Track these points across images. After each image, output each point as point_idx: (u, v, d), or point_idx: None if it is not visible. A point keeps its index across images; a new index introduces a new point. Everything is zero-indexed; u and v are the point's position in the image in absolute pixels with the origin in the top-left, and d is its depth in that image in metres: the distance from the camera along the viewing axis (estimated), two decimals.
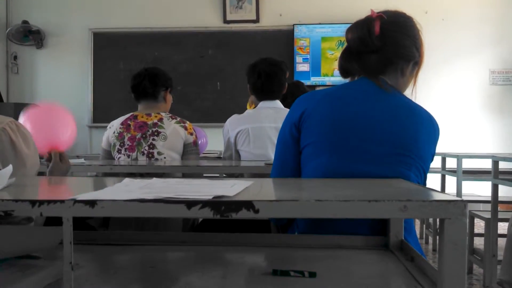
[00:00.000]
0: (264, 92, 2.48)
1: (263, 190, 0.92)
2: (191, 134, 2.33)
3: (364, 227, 1.17)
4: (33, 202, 0.74)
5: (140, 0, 5.89)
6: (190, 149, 2.32)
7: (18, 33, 5.78)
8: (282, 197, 0.78)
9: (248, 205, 0.72)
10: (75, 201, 0.74)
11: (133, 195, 0.77)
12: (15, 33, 5.77)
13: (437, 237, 3.64)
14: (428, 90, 5.41)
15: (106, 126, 2.42)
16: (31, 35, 5.80)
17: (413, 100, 1.28)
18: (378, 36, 1.22)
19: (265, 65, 2.46)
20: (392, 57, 1.25)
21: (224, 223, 2.13)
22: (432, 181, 1.57)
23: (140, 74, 2.37)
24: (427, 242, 4.20)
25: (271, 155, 2.35)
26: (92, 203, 0.73)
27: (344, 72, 1.32)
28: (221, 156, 2.69)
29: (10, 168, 1.03)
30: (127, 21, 5.86)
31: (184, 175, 2.06)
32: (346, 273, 0.95)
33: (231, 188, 0.84)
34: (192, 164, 2.09)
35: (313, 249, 1.11)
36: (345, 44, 1.31)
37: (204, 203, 0.73)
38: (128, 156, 2.26)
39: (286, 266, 0.94)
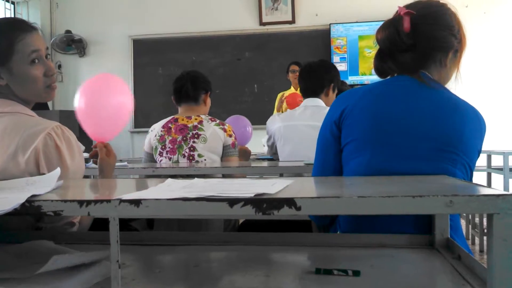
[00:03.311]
0: (303, 90, 2.56)
1: (305, 188, 0.92)
2: (230, 136, 2.36)
3: (408, 225, 1.15)
4: (80, 202, 0.77)
5: (177, 6, 5.99)
6: (229, 150, 2.34)
7: (61, 42, 5.99)
8: (323, 194, 0.78)
9: (290, 202, 0.72)
10: (121, 201, 0.76)
11: (176, 194, 0.78)
12: (59, 42, 5.98)
13: (484, 237, 3.52)
14: (471, 85, 5.25)
15: (147, 130, 2.48)
16: (74, 44, 6.00)
17: (457, 85, 1.25)
18: (409, 33, 1.19)
19: (307, 65, 2.54)
20: (428, 51, 1.21)
21: (265, 224, 2.14)
22: (478, 179, 1.52)
23: (182, 77, 2.43)
24: (473, 243, 4.07)
25: (304, 153, 2.35)
26: (137, 202, 0.75)
27: (380, 72, 1.30)
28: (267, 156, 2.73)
29: (58, 171, 1.06)
30: (165, 27, 5.97)
31: (224, 176, 2.08)
32: (391, 272, 0.93)
33: (272, 187, 0.84)
34: (231, 165, 2.11)
35: (356, 248, 1.09)
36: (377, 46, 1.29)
37: (246, 201, 0.73)
38: (170, 159, 2.30)
39: (329, 265, 0.93)
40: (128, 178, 2.27)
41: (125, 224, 2.14)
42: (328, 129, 1.27)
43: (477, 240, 3.97)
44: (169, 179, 1.04)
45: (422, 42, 1.20)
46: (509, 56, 5.45)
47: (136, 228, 2.23)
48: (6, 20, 1.36)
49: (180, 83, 2.41)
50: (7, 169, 1.19)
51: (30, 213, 0.78)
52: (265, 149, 2.89)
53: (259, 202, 0.73)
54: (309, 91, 2.52)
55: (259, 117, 5.29)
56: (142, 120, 6.01)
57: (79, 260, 0.89)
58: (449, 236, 1.08)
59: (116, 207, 0.76)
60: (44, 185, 0.94)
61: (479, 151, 1.21)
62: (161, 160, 2.34)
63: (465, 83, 1.31)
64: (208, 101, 2.48)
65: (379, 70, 1.29)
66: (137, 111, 6.05)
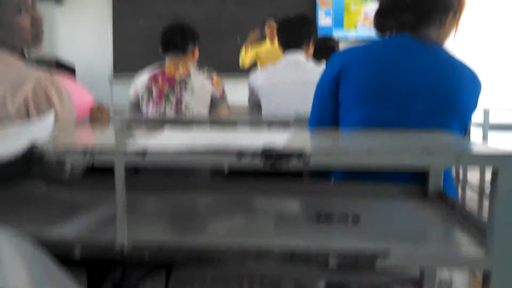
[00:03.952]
0: (283, 43, 2.51)
1: (309, 141, 0.92)
2: (218, 87, 2.34)
3: (403, 175, 1.16)
4: (84, 151, 0.75)
5: None
6: (218, 101, 2.33)
7: None
8: (331, 146, 0.78)
9: (299, 155, 0.72)
10: (126, 152, 0.74)
11: (182, 145, 0.78)
12: None
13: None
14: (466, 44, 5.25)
15: (126, 82, 2.44)
16: None
17: (454, 44, 1.25)
18: None
19: (286, 18, 2.49)
20: (428, 11, 1.21)
21: (251, 173, 2.14)
22: None
23: (171, 28, 2.38)
24: None
25: (289, 107, 2.35)
26: (143, 153, 0.74)
27: (380, 29, 1.29)
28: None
29: (51, 116, 1.04)
30: None
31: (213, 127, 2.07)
32: (389, 220, 0.95)
33: (275, 139, 0.84)
34: (219, 117, 2.09)
35: (351, 196, 1.10)
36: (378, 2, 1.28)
37: (254, 154, 0.73)
38: (156, 110, 2.28)
39: (327, 211, 0.94)
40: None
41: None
42: (326, 86, 1.27)
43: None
44: (167, 129, 1.03)
45: (423, 2, 1.20)
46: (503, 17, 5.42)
47: None
48: None
49: (168, 33, 2.37)
50: None
51: (32, 160, 0.77)
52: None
53: (268, 154, 0.73)
54: (289, 43, 2.48)
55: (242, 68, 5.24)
56: (121, 71, 5.87)
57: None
58: (442, 188, 1.11)
59: (122, 157, 0.75)
60: (39, 132, 0.92)
61: (474, 108, 1.23)
62: (147, 111, 2.31)
63: (460, 42, 1.32)
64: (196, 52, 2.44)
65: (379, 28, 1.29)
66: (116, 63, 5.91)
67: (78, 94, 1.68)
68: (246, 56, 4.78)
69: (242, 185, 1.17)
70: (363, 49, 1.26)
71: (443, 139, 0.97)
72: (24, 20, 1.28)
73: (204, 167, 2.10)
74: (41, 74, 1.23)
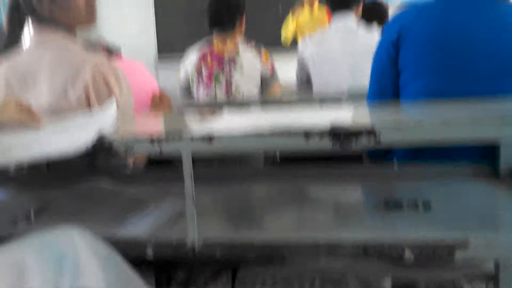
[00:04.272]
0: (332, 5, 2.37)
1: (375, 116, 0.89)
2: (266, 63, 2.30)
3: (471, 153, 1.11)
4: (152, 140, 0.76)
5: None
6: (269, 81, 2.29)
7: None
8: (402, 121, 0.75)
9: (370, 132, 0.70)
10: (193, 138, 0.74)
11: (247, 128, 0.77)
12: None
13: None
14: None
15: (172, 64, 2.42)
16: None
17: None
18: None
19: None
20: None
21: (303, 159, 2.11)
22: None
23: (216, 3, 2.30)
24: None
25: (341, 81, 2.28)
26: (209, 138, 0.74)
27: None
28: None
29: (114, 105, 1.05)
30: None
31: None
32: (461, 205, 0.90)
33: (341, 117, 0.82)
34: (271, 98, 2.06)
35: (417, 180, 1.05)
36: None
37: (323, 133, 0.71)
38: (207, 93, 2.28)
39: (394, 198, 0.90)
40: None
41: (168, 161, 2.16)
42: (385, 51, 1.21)
43: None
44: (226, 111, 1.02)
45: None
46: None
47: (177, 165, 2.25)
48: None
49: (213, 9, 2.30)
50: (58, 106, 1.18)
51: (101, 151, 0.78)
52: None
53: (337, 133, 0.71)
54: (339, 4, 2.36)
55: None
56: (166, 51, 5.90)
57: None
58: None
59: (189, 143, 0.74)
60: (104, 121, 0.93)
61: None
62: (198, 94, 2.31)
63: None
64: (243, 24, 2.38)
65: None
66: (160, 43, 5.94)
67: (143, 80, 1.69)
68: (288, 29, 4.61)
69: (298, 172, 1.12)
70: (423, 9, 1.19)
71: None
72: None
73: (258, 153, 2.09)
74: (99, 60, 1.23)
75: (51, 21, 1.25)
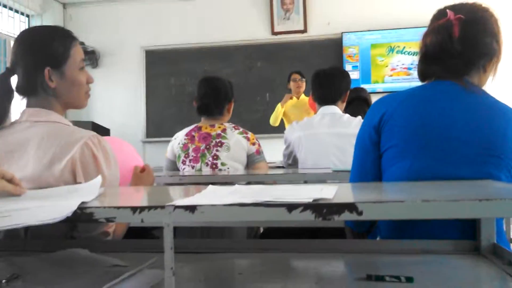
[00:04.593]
0: (319, 98, 2.53)
1: (357, 193, 0.90)
2: (254, 144, 2.34)
3: (451, 230, 1.12)
4: (134, 209, 0.76)
5: (189, 16, 6.01)
6: (255, 158, 2.33)
7: None
8: (382, 199, 0.76)
9: (351, 207, 0.70)
10: (176, 207, 0.74)
11: (230, 199, 0.77)
12: None
13: None
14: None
15: (159, 141, 2.47)
16: (87, 56, 6.00)
17: (491, 88, 1.24)
18: (458, 39, 1.18)
19: (323, 72, 2.49)
20: (474, 58, 1.21)
21: (286, 232, 2.11)
22: None
23: (205, 94, 2.38)
24: None
25: (327, 161, 2.34)
26: (192, 208, 0.74)
27: (424, 77, 1.28)
28: (283, 165, 2.70)
29: (99, 178, 1.05)
30: (177, 37, 6.00)
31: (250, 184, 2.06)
32: (443, 279, 0.90)
33: (324, 192, 0.82)
34: (258, 173, 2.09)
35: (400, 254, 1.07)
36: (421, 48, 1.27)
37: (305, 206, 0.72)
38: (193, 167, 2.29)
39: (377, 272, 0.90)
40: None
41: (146, 233, 2.13)
42: (367, 135, 1.25)
43: None
44: (211, 186, 1.03)
45: (470, 49, 1.20)
46: None
47: (157, 236, 2.22)
48: (59, 27, 1.38)
49: (203, 100, 2.38)
50: (42, 177, 1.18)
51: (82, 220, 0.77)
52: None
53: (319, 207, 0.71)
54: (326, 99, 2.49)
55: (272, 126, 5.28)
56: (154, 130, 6.02)
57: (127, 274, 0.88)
58: (495, 241, 1.06)
59: (171, 213, 0.74)
60: (87, 193, 0.93)
61: None
62: (184, 169, 2.33)
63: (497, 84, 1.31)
64: (231, 108, 2.47)
65: (423, 75, 1.28)
66: (149, 121, 6.07)
67: (131, 157, 1.70)
68: (278, 114, 4.79)
69: (280, 246, 1.13)
70: (405, 95, 1.25)
71: (497, 187, 0.94)
72: (83, 77, 1.34)
73: (241, 227, 2.08)
74: (89, 135, 1.25)
75: (51, 96, 1.29)
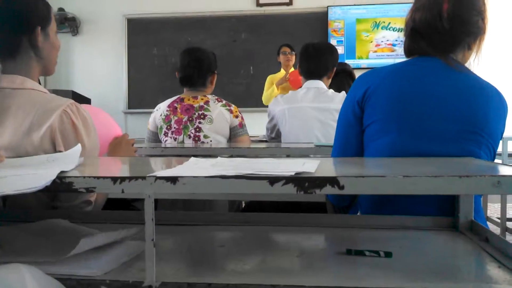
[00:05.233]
0: (305, 72, 2.53)
1: (339, 168, 0.91)
2: (237, 117, 2.34)
3: (430, 207, 1.14)
4: (114, 179, 0.74)
5: None
6: (238, 131, 2.32)
7: None
8: (364, 173, 0.76)
9: (333, 181, 0.70)
10: (157, 178, 0.73)
11: (212, 171, 0.76)
12: None
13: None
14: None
15: (141, 112, 2.44)
16: (67, 22, 5.88)
17: (475, 67, 1.24)
18: (447, 17, 1.18)
19: (311, 46, 2.49)
20: (461, 36, 1.21)
21: (269, 206, 2.12)
22: None
23: (188, 65, 2.35)
24: None
25: (310, 134, 2.35)
26: (173, 179, 0.73)
27: (410, 53, 1.28)
28: (266, 138, 2.71)
29: (79, 147, 1.04)
30: (160, 6, 5.88)
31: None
32: (421, 254, 0.92)
33: (305, 165, 0.82)
34: (240, 146, 2.09)
35: (379, 229, 1.08)
36: (408, 23, 1.27)
37: (288, 179, 0.71)
38: (175, 139, 2.28)
39: (356, 246, 0.91)
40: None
41: (128, 204, 2.12)
42: (350, 109, 1.25)
43: None
44: (193, 158, 1.02)
45: (457, 27, 1.20)
46: None
47: (138, 208, 2.21)
48: None
49: (186, 69, 2.35)
50: (21, 145, 1.16)
51: (61, 190, 0.76)
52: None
53: (301, 180, 0.71)
54: (313, 73, 2.50)
55: (255, 99, 5.27)
56: (136, 101, 5.95)
57: (106, 240, 0.87)
58: (473, 218, 1.08)
59: (152, 184, 0.73)
60: (67, 162, 0.91)
61: (502, 133, 1.21)
62: (166, 140, 2.31)
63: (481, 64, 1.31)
64: (215, 79, 2.45)
65: (409, 51, 1.28)
66: (131, 92, 5.99)
67: (108, 125, 1.67)
68: (273, 95, 4.73)
69: (262, 219, 1.14)
70: (388, 71, 1.24)
71: (477, 164, 0.95)
72: (59, 41, 1.35)
73: (223, 198, 2.08)
74: (68, 103, 1.23)
75: (33, 59, 1.27)
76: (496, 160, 3.49)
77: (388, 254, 0.87)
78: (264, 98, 4.82)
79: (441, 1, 1.18)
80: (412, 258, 0.89)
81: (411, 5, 1.29)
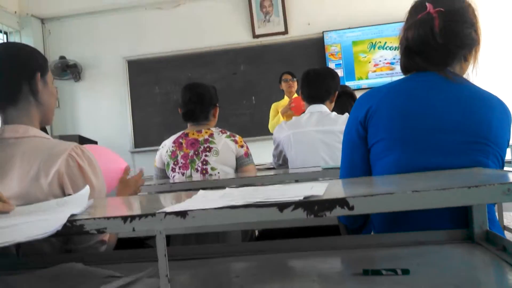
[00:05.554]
0: (308, 97, 2.55)
1: (347, 189, 0.90)
2: (242, 146, 2.34)
3: (444, 220, 1.13)
4: (124, 218, 0.75)
5: (170, 25, 5.99)
6: (244, 161, 2.33)
7: (56, 68, 5.96)
8: (372, 192, 0.76)
9: (342, 202, 0.70)
10: (166, 213, 0.74)
11: (221, 203, 0.76)
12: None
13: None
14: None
15: (147, 150, 2.46)
16: (69, 69, 5.97)
17: (474, 77, 1.25)
18: (440, 32, 1.19)
19: (312, 72, 2.52)
20: (456, 49, 1.22)
21: (283, 233, 2.11)
22: None
23: (189, 101, 2.37)
24: None
25: (317, 158, 2.35)
26: (183, 214, 0.73)
27: (407, 70, 1.29)
28: (273, 166, 2.71)
29: (87, 189, 1.04)
30: (158, 46, 5.96)
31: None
32: (439, 268, 0.91)
33: (314, 189, 0.82)
34: (248, 175, 2.09)
35: (395, 247, 1.07)
36: (402, 42, 1.28)
37: (297, 204, 0.71)
38: (183, 174, 2.28)
39: (373, 266, 0.91)
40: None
41: (141, 243, 2.11)
42: (354, 130, 1.25)
43: None
44: (201, 191, 1.02)
45: (451, 41, 1.20)
46: None
47: (151, 245, 2.20)
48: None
49: (187, 107, 2.38)
50: (30, 193, 1.17)
51: (72, 233, 0.76)
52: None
53: (310, 204, 0.71)
54: (315, 98, 2.51)
55: (259, 128, 5.29)
56: (141, 139, 5.98)
57: (123, 282, 0.87)
58: (488, 228, 1.07)
59: (162, 220, 0.74)
60: (77, 205, 0.92)
61: (508, 141, 1.20)
62: (174, 176, 2.32)
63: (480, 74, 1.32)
64: (217, 112, 2.47)
65: (406, 68, 1.28)
66: (136, 131, 6.03)
67: (112, 159, 1.69)
68: (275, 121, 4.74)
69: (276, 247, 1.13)
70: (388, 89, 1.25)
71: (485, 173, 0.94)
72: (55, 90, 1.38)
73: (234, 229, 2.07)
74: (72, 146, 1.24)
75: (33, 105, 1.28)
76: (505, 168, 3.44)
77: (405, 272, 0.86)
78: (271, 127, 4.84)
79: (431, 17, 1.19)
80: (430, 273, 0.87)
81: (403, 23, 1.30)
